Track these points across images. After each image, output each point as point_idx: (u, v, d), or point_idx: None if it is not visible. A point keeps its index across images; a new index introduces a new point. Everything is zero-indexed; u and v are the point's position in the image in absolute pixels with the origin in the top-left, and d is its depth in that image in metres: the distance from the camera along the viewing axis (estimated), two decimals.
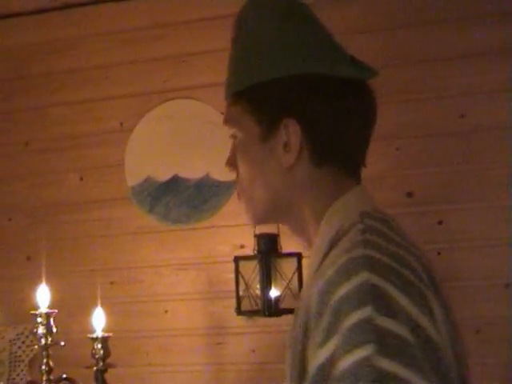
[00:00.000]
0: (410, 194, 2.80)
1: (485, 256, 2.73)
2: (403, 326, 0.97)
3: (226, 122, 1.29)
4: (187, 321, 3.00)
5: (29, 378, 2.93)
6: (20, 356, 2.99)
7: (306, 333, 1.07)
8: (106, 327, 2.34)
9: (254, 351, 2.85)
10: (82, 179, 3.14)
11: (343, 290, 1.00)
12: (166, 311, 2.97)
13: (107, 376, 2.28)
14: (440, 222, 2.76)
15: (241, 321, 2.85)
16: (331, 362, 0.97)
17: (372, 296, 0.98)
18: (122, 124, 3.10)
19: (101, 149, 3.12)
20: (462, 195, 2.77)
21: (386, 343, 0.95)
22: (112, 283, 3.03)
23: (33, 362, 3.00)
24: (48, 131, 3.21)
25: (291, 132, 1.19)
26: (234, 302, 2.80)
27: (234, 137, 1.28)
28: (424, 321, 1.00)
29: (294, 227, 1.30)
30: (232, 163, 1.29)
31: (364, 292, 0.99)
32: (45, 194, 3.19)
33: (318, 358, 1.00)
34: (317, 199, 1.24)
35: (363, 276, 1.00)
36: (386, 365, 0.93)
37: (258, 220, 1.32)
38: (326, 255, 1.16)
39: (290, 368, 1.13)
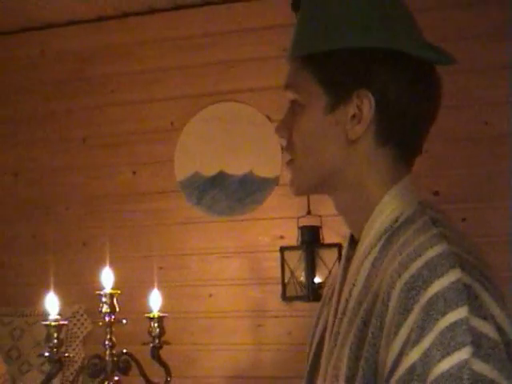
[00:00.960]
0: (436, 193, 2.98)
1: (503, 250, 2.89)
2: (493, 327, 0.97)
3: (289, 86, 1.23)
4: (230, 304, 3.18)
5: (83, 353, 3.13)
6: (75, 333, 3.19)
7: (381, 326, 1.04)
8: (161, 309, 2.43)
9: (290, 333, 3.04)
10: (134, 173, 3.35)
11: (436, 286, 0.98)
12: (211, 295, 3.18)
13: (164, 353, 2.37)
14: (464, 219, 2.93)
15: (279, 305, 3.05)
16: (426, 362, 0.95)
17: (466, 296, 0.97)
18: (172, 123, 3.29)
19: (153, 146, 3.32)
20: (484, 195, 2.96)
21: (482, 346, 0.94)
22: (161, 268, 3.21)
23: (87, 339, 3.19)
24: (104, 129, 3.41)
25: (364, 103, 1.15)
26: (272, 287, 3.04)
27: (294, 102, 1.22)
28: (505, 323, 0.99)
29: (341, 206, 1.25)
30: (285, 129, 1.24)
31: (459, 291, 0.97)
32: (100, 186, 3.40)
33: (408, 356, 0.97)
34: (374, 180, 1.19)
35: (456, 274, 0.99)
36: (484, 369, 0.93)
37: (303, 191, 1.28)
38: (387, 242, 1.14)
39: (351, 351, 1.09)
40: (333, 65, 1.16)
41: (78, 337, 3.19)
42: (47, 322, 2.15)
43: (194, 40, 3.28)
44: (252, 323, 3.15)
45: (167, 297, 3.02)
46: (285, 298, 2.99)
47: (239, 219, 3.20)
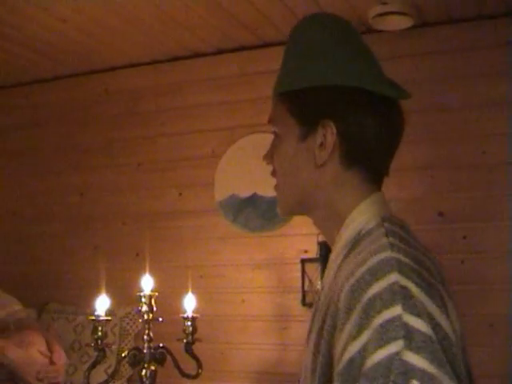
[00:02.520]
0: (441, 214, 3.21)
1: (499, 264, 3.09)
2: (427, 324, 1.00)
3: (271, 120, 1.31)
4: (259, 309, 3.45)
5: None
6: (128, 330, 3.57)
7: (334, 324, 1.09)
8: (194, 310, 2.57)
9: None
10: (180, 194, 3.69)
11: (375, 288, 1.03)
12: (243, 300, 3.47)
13: (194, 349, 2.53)
14: (464, 237, 3.15)
15: (303, 310, 3.31)
16: (363, 355, 0.99)
17: (401, 296, 1.01)
18: (213, 151, 3.62)
19: (196, 170, 3.65)
20: (482, 215, 3.16)
21: (413, 339, 0.98)
22: (201, 276, 3.55)
23: (137, 335, 3.50)
24: (155, 155, 3.76)
25: (328, 132, 1.22)
26: (298, 295, 3.31)
27: (275, 134, 1.30)
28: (442, 319, 1.03)
29: (318, 222, 1.32)
30: (269, 157, 1.32)
31: (394, 292, 1.02)
32: (151, 205, 3.74)
33: (348, 350, 1.01)
34: (342, 199, 1.26)
35: (392, 277, 1.03)
36: (414, 359, 0.97)
37: (285, 211, 1.35)
38: (349, 252, 1.19)
39: (314, 347, 1.16)
40: (302, 100, 1.24)
41: (130, 334, 3.57)
42: (93, 318, 2.38)
43: (233, 79, 3.59)
44: (278, 326, 3.43)
45: (206, 301, 3.24)
46: (304, 303, 3.31)
47: (269, 235, 3.47)
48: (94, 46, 3.55)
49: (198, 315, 2.58)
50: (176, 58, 3.74)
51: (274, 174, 1.32)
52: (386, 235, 1.14)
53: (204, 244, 3.63)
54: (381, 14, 3.08)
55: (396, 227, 1.19)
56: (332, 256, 1.24)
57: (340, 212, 1.25)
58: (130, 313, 3.61)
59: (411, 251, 1.12)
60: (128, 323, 3.60)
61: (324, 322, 1.13)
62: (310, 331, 1.24)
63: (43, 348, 2.97)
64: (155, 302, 2.44)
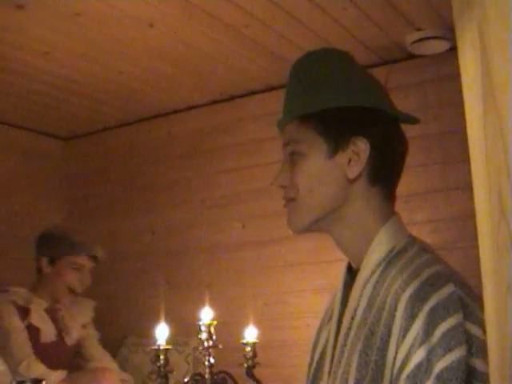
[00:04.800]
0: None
1: None
2: (480, 329, 1.08)
3: (290, 142, 1.35)
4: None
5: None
6: (201, 359, 3.75)
7: (389, 332, 1.15)
8: (260, 337, 2.74)
9: None
10: (243, 226, 3.83)
11: (437, 297, 1.11)
12: (308, 325, 3.50)
13: (261, 374, 2.67)
14: None
15: None
16: (431, 358, 1.07)
17: (460, 305, 1.10)
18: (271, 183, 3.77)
19: (256, 203, 3.78)
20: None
21: (473, 344, 1.07)
22: (266, 304, 3.66)
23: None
24: (218, 191, 3.92)
25: (360, 148, 1.29)
26: None
27: (293, 154, 1.33)
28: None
29: (342, 240, 1.34)
30: (285, 177, 1.35)
31: (454, 301, 1.10)
32: (217, 238, 3.89)
33: (416, 355, 1.08)
34: (368, 215, 1.32)
35: (451, 287, 1.12)
36: (475, 363, 1.06)
37: (303, 228, 1.35)
38: (386, 268, 1.25)
39: (360, 358, 1.19)
40: (331, 119, 1.30)
41: (204, 362, 3.72)
42: (155, 347, 2.55)
43: None
44: None
45: (271, 328, 3.45)
46: None
47: (328, 261, 3.50)
48: (151, 92, 3.78)
49: (257, 340, 2.72)
50: (231, 98, 3.92)
51: (290, 191, 1.34)
52: (426, 251, 1.24)
53: (267, 273, 3.75)
54: (418, 40, 3.19)
55: (425, 244, 1.28)
56: (362, 271, 1.28)
57: (368, 230, 1.30)
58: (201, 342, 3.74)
59: (449, 266, 1.21)
60: (200, 352, 3.72)
61: (373, 332, 1.18)
62: (334, 346, 1.29)
63: None
64: (215, 330, 2.59)
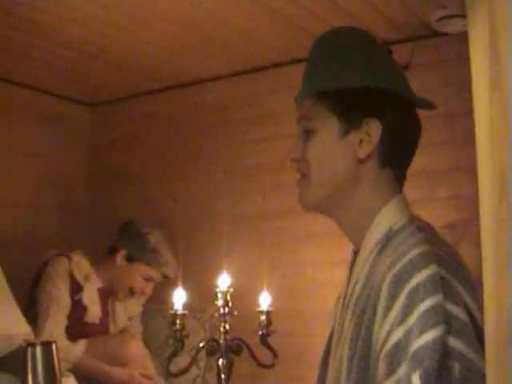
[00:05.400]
0: None
1: None
2: (463, 310, 1.10)
3: (304, 118, 1.39)
4: None
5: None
6: (218, 326, 3.80)
7: (375, 311, 1.18)
8: (277, 306, 2.77)
9: None
10: (264, 197, 3.87)
11: (417, 278, 1.12)
12: (325, 296, 3.48)
13: (277, 343, 2.70)
14: None
15: None
16: (408, 337, 1.09)
17: (441, 285, 1.11)
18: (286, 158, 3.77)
19: (279, 174, 3.78)
20: None
21: (453, 325, 1.08)
22: (285, 275, 3.71)
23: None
24: (241, 162, 3.97)
25: (373, 128, 1.31)
26: None
27: (307, 130, 1.37)
28: (475, 310, 1.12)
29: (343, 219, 1.38)
30: (298, 151, 1.39)
31: (435, 282, 1.11)
32: (238, 208, 3.94)
33: (394, 334, 1.10)
34: (373, 196, 1.34)
35: (433, 268, 1.13)
36: (455, 343, 1.07)
37: (313, 204, 1.40)
38: (383, 247, 1.27)
39: (352, 335, 1.24)
40: (346, 99, 1.33)
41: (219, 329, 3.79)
42: (172, 312, 2.59)
43: None
44: None
45: (289, 297, 3.49)
46: None
47: None
48: (177, 62, 3.81)
49: (272, 308, 2.75)
50: (256, 69, 3.93)
51: (302, 167, 1.39)
52: (420, 231, 1.25)
53: (287, 243, 3.79)
54: (442, 18, 3.18)
55: (424, 224, 1.30)
56: (362, 251, 1.32)
57: (371, 209, 1.33)
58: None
59: (443, 246, 1.23)
60: (217, 319, 3.77)
61: (363, 311, 1.22)
62: (339, 322, 1.34)
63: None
64: (232, 298, 2.64)
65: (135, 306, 3.77)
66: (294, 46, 3.61)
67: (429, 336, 1.06)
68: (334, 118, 1.33)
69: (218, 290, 2.67)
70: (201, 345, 2.70)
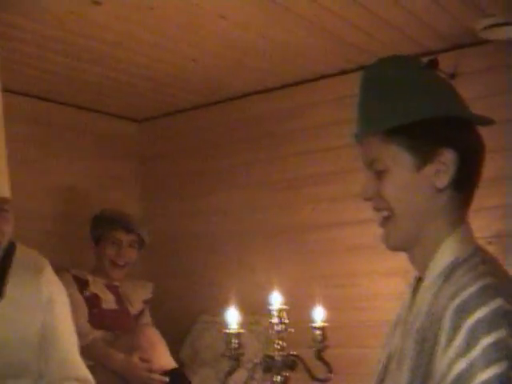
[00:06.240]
0: None
1: None
2: None
3: (374, 161, 1.34)
4: (393, 314, 3.52)
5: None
6: (272, 341, 3.80)
7: (436, 340, 1.18)
8: (328, 317, 2.77)
9: None
10: (313, 209, 3.85)
11: (482, 311, 1.12)
12: (376, 307, 3.54)
13: (329, 355, 2.72)
14: None
15: None
16: (471, 372, 1.09)
17: (506, 321, 1.11)
18: (342, 167, 3.72)
19: (326, 186, 3.79)
20: None
21: None
22: (335, 286, 3.68)
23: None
24: (288, 174, 3.96)
25: (448, 158, 1.29)
26: None
27: (380, 171, 1.33)
28: None
29: (416, 253, 1.36)
30: (371, 193, 1.36)
31: (499, 316, 1.12)
32: (287, 220, 3.94)
33: (456, 366, 1.11)
34: (444, 226, 1.33)
35: (497, 302, 1.13)
36: None
37: (400, 244, 1.37)
38: (448, 277, 1.27)
39: (412, 362, 1.24)
40: (416, 133, 1.30)
41: (274, 341, 3.81)
42: (227, 331, 2.66)
43: (355, 98, 3.70)
44: None
45: (341, 309, 3.48)
46: None
47: None
48: (223, 78, 3.87)
49: (327, 324, 2.76)
50: (302, 82, 3.94)
51: (381, 207, 1.36)
52: (484, 263, 1.25)
53: (337, 255, 3.78)
54: (488, 26, 3.16)
55: (488, 256, 1.31)
56: (426, 280, 1.32)
57: (437, 238, 1.32)
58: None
59: (506, 279, 1.24)
60: (272, 335, 3.78)
61: (424, 339, 1.23)
62: (399, 348, 1.34)
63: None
64: (286, 314, 2.68)
65: (144, 292, 3.88)
66: (338, 59, 3.63)
67: (491, 371, 1.07)
68: (406, 154, 1.32)
69: (271, 307, 2.70)
70: (256, 361, 2.75)
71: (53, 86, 3.91)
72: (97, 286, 3.62)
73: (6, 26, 2.99)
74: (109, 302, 3.62)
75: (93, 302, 3.54)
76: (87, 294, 3.54)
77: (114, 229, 3.68)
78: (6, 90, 3.61)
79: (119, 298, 3.71)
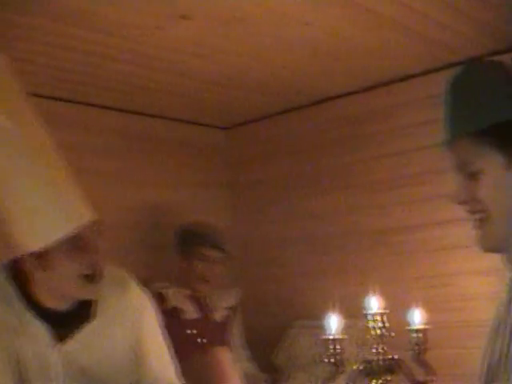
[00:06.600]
0: None
1: None
2: None
3: (467, 162, 1.36)
4: (487, 314, 3.48)
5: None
6: (369, 339, 3.79)
7: None
8: (424, 322, 2.73)
9: None
10: (407, 210, 3.82)
11: None
12: (474, 307, 3.50)
13: (426, 356, 2.68)
14: None
15: None
16: None
17: None
18: (432, 167, 3.68)
19: (420, 187, 3.77)
20: None
21: None
22: (432, 287, 3.66)
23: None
24: (379, 175, 3.95)
25: None
26: None
27: (473, 173, 1.35)
28: None
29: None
30: (466, 196, 1.36)
31: None
32: (381, 222, 3.94)
33: None
34: None
35: None
36: None
37: (495, 247, 1.39)
38: None
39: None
40: (508, 132, 1.32)
41: (367, 344, 3.77)
42: (328, 337, 2.63)
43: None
44: None
45: (438, 310, 3.41)
46: None
47: None
48: (309, 82, 3.91)
49: (428, 326, 2.73)
50: (387, 83, 3.93)
51: (477, 209, 1.36)
52: None
53: (431, 256, 3.76)
54: None
55: None
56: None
57: None
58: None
59: None
60: (370, 339, 3.73)
61: None
62: (502, 351, 1.36)
63: None
64: (388, 316, 2.65)
65: (228, 299, 3.88)
66: (424, 58, 3.60)
67: None
68: (498, 154, 1.33)
69: (369, 311, 2.68)
70: (355, 367, 2.70)
71: (155, 101, 4.06)
72: (178, 298, 3.64)
73: (101, 45, 3.13)
74: (189, 311, 3.64)
75: (173, 316, 3.53)
76: (167, 308, 3.53)
77: (202, 245, 3.71)
78: (89, 104, 3.88)
79: (201, 307, 3.73)
